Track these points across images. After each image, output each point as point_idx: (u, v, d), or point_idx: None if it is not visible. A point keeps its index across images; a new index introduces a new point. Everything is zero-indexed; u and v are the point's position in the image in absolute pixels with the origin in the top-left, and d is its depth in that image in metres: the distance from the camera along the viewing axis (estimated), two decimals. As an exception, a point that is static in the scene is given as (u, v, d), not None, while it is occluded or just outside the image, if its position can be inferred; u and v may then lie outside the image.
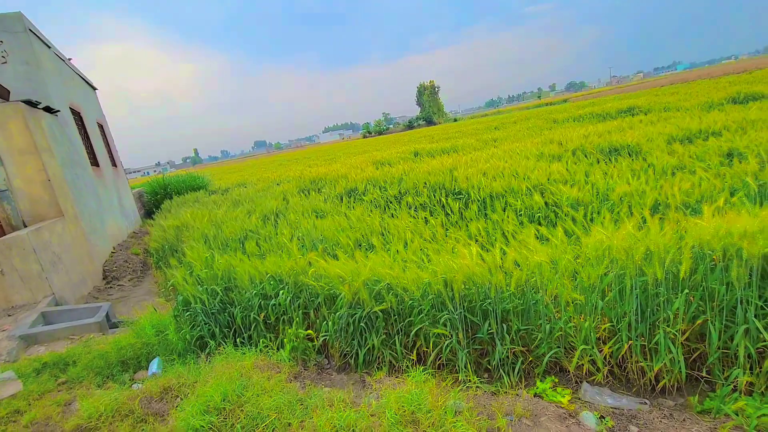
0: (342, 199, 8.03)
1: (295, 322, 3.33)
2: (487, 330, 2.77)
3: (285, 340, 3.27)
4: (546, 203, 4.70)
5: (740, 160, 4.92)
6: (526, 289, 2.73)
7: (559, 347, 2.66)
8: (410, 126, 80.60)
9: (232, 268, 4.09)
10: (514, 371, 2.72)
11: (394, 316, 3.11)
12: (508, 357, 2.74)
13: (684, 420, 2.14)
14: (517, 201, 4.90)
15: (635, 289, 2.40)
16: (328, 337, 3.28)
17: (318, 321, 3.45)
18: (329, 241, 5.13)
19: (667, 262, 2.28)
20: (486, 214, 5.06)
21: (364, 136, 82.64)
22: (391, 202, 7.03)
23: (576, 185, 4.86)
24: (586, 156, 6.85)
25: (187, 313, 3.78)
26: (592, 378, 2.61)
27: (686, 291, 2.30)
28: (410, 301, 3.07)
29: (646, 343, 2.45)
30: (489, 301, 2.74)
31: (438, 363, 2.99)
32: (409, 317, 3.09)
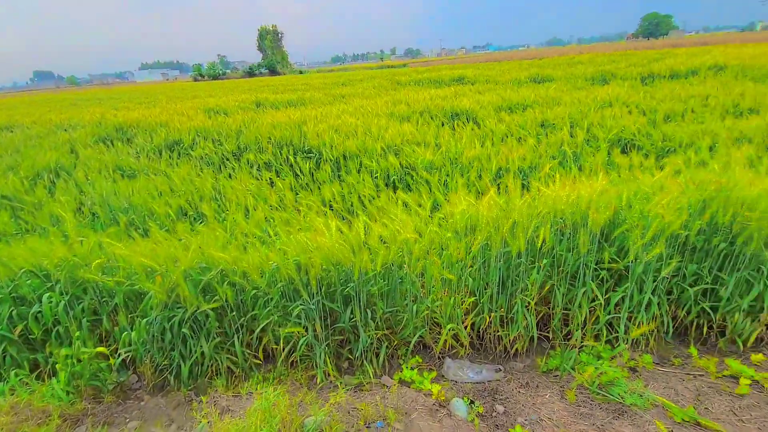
0: (161, 154, 6.37)
1: (75, 337, 2.26)
2: (350, 318, 2.36)
3: (58, 365, 2.20)
4: (401, 165, 4.51)
5: (552, 130, 5.69)
6: (392, 268, 2.39)
7: (424, 327, 2.45)
8: (251, 73, 72.98)
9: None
10: (378, 358, 2.42)
11: (232, 312, 2.40)
12: (371, 344, 2.42)
13: (537, 386, 2.20)
14: (372, 162, 4.58)
15: (500, 260, 2.31)
16: (133, 352, 2.35)
17: (117, 330, 2.45)
18: (139, 211, 3.86)
19: (530, 232, 2.23)
20: (340, 176, 4.61)
21: (195, 79, 71.10)
22: (227, 160, 5.88)
23: (428, 147, 4.81)
24: (432, 118, 7.02)
25: None
26: (455, 351, 2.52)
27: (545, 260, 2.31)
28: (253, 291, 2.40)
29: (504, 314, 2.44)
30: (352, 285, 2.31)
31: (291, 360, 2.47)
32: (253, 310, 2.43)
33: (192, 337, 2.33)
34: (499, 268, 2.33)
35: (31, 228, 3.51)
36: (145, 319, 2.26)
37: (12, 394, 2.06)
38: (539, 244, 2.26)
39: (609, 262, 2.37)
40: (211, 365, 2.41)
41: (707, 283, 2.35)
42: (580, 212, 2.30)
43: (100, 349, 2.28)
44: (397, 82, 18.14)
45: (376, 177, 4.42)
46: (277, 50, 78.12)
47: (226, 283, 2.36)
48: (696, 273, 2.37)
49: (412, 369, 2.33)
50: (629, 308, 2.34)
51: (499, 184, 4.00)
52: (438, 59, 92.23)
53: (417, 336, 2.41)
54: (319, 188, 4.25)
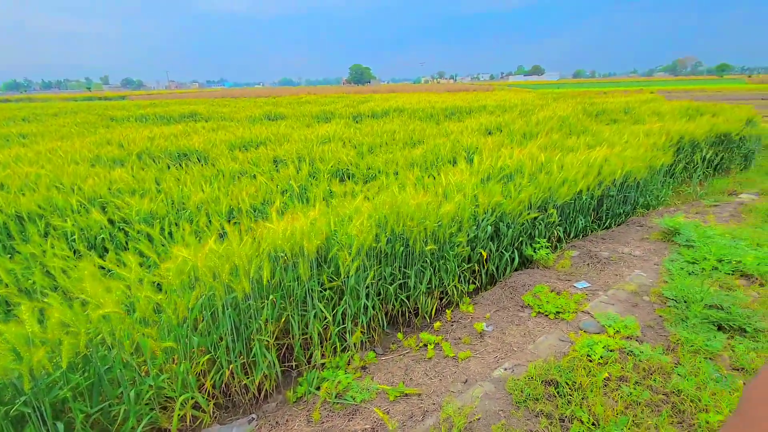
0: None
1: None
2: (30, 444, 1.72)
3: None
4: (111, 221, 3.75)
5: (283, 165, 6.10)
6: (91, 355, 1.91)
7: (153, 410, 2.08)
8: None
9: None
10: (91, 477, 1.87)
11: None
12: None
13: (287, 421, 2.23)
14: (67, 222, 3.60)
15: (227, 308, 2.23)
16: None
17: None
18: None
19: (252, 272, 2.26)
20: (12, 248, 3.39)
21: None
22: None
23: (147, 195, 4.21)
24: (154, 161, 6.22)
25: None
26: (199, 421, 2.26)
27: (272, 296, 2.39)
28: None
29: (245, 359, 2.37)
30: (25, 398, 1.70)
31: None
32: None
33: None
34: (229, 316, 2.25)
35: None
36: None
37: None
38: (265, 282, 2.33)
39: (329, 281, 2.69)
40: None
41: (399, 279, 3.03)
42: (297, 244, 2.51)
43: None
44: (111, 117, 15.28)
45: (73, 240, 3.49)
46: None
47: None
48: (392, 273, 3.01)
49: (142, 469, 1.91)
50: (352, 316, 2.73)
51: (236, 223, 3.93)
52: (167, 92, 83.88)
53: (144, 424, 2.01)
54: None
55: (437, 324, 3.02)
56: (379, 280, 2.96)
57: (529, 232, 4.00)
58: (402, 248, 2.97)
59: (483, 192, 3.71)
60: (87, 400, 1.91)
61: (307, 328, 2.60)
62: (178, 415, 2.10)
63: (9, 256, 3.21)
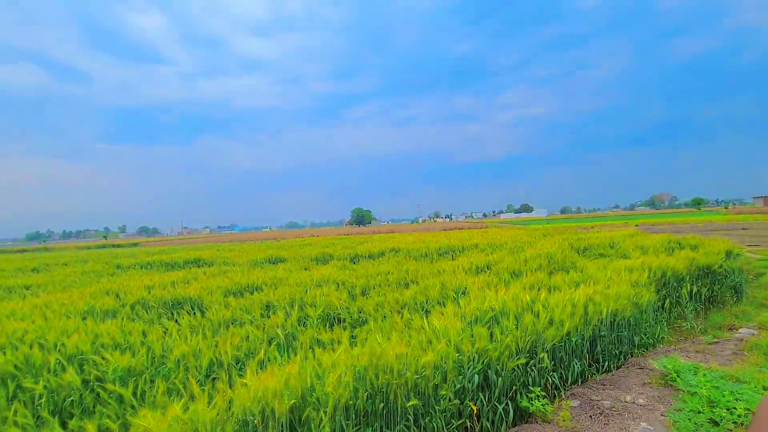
0: None
1: None
2: None
3: None
4: (85, 381, 3.61)
5: (274, 311, 6.12)
6: None
7: None
8: None
9: None
10: None
11: None
12: None
13: None
14: (38, 384, 3.47)
15: (182, 488, 2.02)
16: None
17: None
18: None
19: (214, 442, 2.12)
20: (-27, 416, 3.19)
21: None
22: None
23: (130, 349, 4.15)
24: (147, 311, 6.28)
25: None
26: None
27: (233, 471, 2.18)
28: None
29: None
30: None
31: None
32: None
33: None
34: (183, 499, 2.02)
35: None
36: None
37: None
38: (228, 452, 2.16)
39: (301, 449, 2.48)
40: None
41: (381, 442, 2.78)
42: (269, 405, 2.41)
43: None
44: (117, 265, 15.87)
45: (39, 405, 3.31)
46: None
47: None
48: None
49: None
50: (325, 493, 2.41)
51: (214, 379, 3.77)
52: (178, 238, 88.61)
53: None
54: None
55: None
56: (359, 443, 2.71)
57: (522, 380, 3.81)
58: (381, 404, 2.81)
59: (468, 337, 3.67)
60: None
61: None
62: None
63: (-35, 425, 3.01)
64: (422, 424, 2.95)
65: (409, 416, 2.87)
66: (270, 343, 4.60)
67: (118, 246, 48.65)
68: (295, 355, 4.22)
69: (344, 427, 2.60)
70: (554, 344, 4.08)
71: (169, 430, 2.04)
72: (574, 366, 4.22)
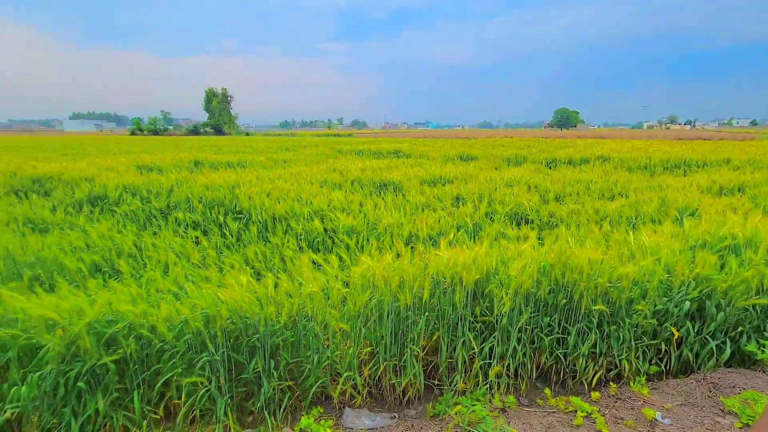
0: (82, 209, 6.19)
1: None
2: (253, 369, 2.52)
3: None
4: (325, 229, 4.89)
5: (463, 203, 6.51)
6: (298, 319, 2.65)
7: (326, 377, 2.67)
8: (195, 131, 72.32)
9: None
10: (280, 409, 2.55)
11: (134, 365, 2.45)
12: (274, 395, 2.56)
13: (421, 428, 2.47)
14: (299, 225, 4.92)
15: (391, 314, 2.68)
16: (20, 410, 2.27)
17: (6, 386, 2.36)
18: (47, 266, 3.76)
19: (416, 288, 2.65)
20: (266, 238, 4.85)
21: (133, 133, 68.76)
22: (154, 217, 5.88)
23: (351, 214, 5.28)
24: (362, 187, 7.65)
25: None
26: (354, 401, 2.73)
27: (427, 313, 2.71)
28: (160, 344, 2.49)
29: (397, 362, 2.74)
30: (258, 336, 2.51)
31: (192, 415, 2.51)
32: (157, 364, 2.50)
33: (88, 392, 2.32)
34: (391, 320, 2.68)
35: None
36: (38, 373, 2.24)
37: None
38: (424, 299, 2.68)
39: (482, 315, 2.83)
40: (105, 424, 2.38)
41: (558, 333, 2.88)
42: (457, 273, 2.78)
43: (-18, 407, 2.19)
44: (339, 150, 19.26)
45: (301, 239, 4.73)
46: (225, 112, 78.99)
47: (132, 336, 2.44)
48: (549, 325, 2.90)
49: (310, 419, 2.49)
50: (499, 355, 2.77)
51: (412, 247, 4.51)
52: (382, 131, 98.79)
53: (317, 385, 2.61)
54: (244, 248, 4.45)
55: (596, 394, 2.71)
56: (535, 328, 2.90)
57: (756, 323, 3.10)
58: (564, 301, 2.84)
59: (686, 261, 3.13)
60: (289, 352, 2.64)
61: (455, 352, 2.80)
62: (340, 389, 2.63)
63: (264, 243, 4.61)
64: (607, 330, 2.87)
65: (593, 318, 2.83)
66: (458, 229, 5.02)
67: (338, 135, 58.21)
68: (481, 242, 4.54)
69: (522, 310, 2.79)
70: (827, 295, 3.06)
71: (383, 270, 2.66)
72: None
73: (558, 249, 2.95)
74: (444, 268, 2.78)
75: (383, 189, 7.77)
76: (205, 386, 2.42)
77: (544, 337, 2.85)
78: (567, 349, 2.87)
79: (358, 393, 2.70)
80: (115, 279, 3.70)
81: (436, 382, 2.87)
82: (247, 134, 69.62)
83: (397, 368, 2.76)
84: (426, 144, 24.92)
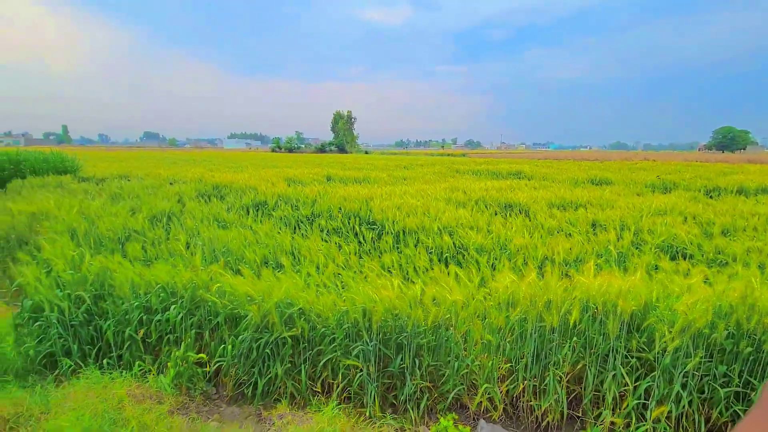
0: (248, 212, 7.50)
1: (185, 343, 2.89)
2: (399, 364, 2.77)
3: (169, 363, 2.80)
4: (454, 245, 5.04)
5: (602, 230, 5.98)
6: (440, 326, 2.82)
7: (463, 385, 2.77)
8: (322, 149, 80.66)
9: (109, 272, 3.43)
10: (419, 407, 2.74)
11: (303, 343, 2.92)
12: (415, 392, 2.76)
13: (564, 456, 2.38)
14: (428, 239, 5.16)
15: (534, 333, 2.66)
16: (224, 364, 2.91)
17: (213, 344, 3.05)
18: (233, 255, 4.69)
19: (563, 311, 2.59)
20: (398, 248, 5.21)
21: (273, 150, 79.96)
22: (302, 222, 6.80)
23: (480, 232, 5.33)
24: (486, 207, 7.61)
25: (36, 322, 3.01)
26: (489, 415, 2.77)
27: (574, 338, 2.62)
28: (323, 329, 2.92)
29: (537, 384, 2.70)
30: (405, 334, 2.76)
31: (343, 396, 2.87)
32: (320, 346, 2.93)
33: (270, 358, 2.85)
34: (534, 340, 2.66)
35: (154, 256, 4.42)
36: (239, 337, 2.85)
37: (136, 378, 2.67)
38: (572, 323, 2.60)
39: (638, 351, 2.61)
40: (279, 388, 2.88)
41: (738, 386, 2.48)
42: (610, 300, 2.63)
43: (202, 355, 2.87)
44: (456, 170, 19.37)
45: (431, 252, 4.96)
46: (348, 132, 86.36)
47: (303, 318, 2.92)
48: (726, 375, 2.52)
49: (448, 421, 2.61)
50: (657, 397, 2.51)
51: (543, 273, 4.36)
52: (497, 152, 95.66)
53: (455, 391, 2.73)
54: (380, 256, 4.86)
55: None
56: (705, 375, 2.55)
57: None
58: (749, 349, 2.44)
59: None
60: (431, 355, 2.82)
61: (602, 385, 2.63)
62: (478, 399, 2.70)
63: (398, 253, 4.96)
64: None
65: (791, 376, 2.37)
66: (599, 256, 4.66)
67: (452, 155, 58.39)
68: (625, 272, 4.14)
69: (690, 353, 2.49)
70: None
71: (528, 287, 2.68)
72: None
73: (741, 288, 2.57)
74: (595, 293, 2.66)
75: (509, 210, 7.61)
76: (360, 371, 2.75)
77: (719, 388, 2.49)
78: (750, 406, 2.44)
79: (495, 408, 2.73)
80: (279, 271, 4.43)
81: (579, 414, 2.73)
82: (366, 152, 74.80)
83: (537, 390, 2.71)
84: (549, 165, 23.38)
